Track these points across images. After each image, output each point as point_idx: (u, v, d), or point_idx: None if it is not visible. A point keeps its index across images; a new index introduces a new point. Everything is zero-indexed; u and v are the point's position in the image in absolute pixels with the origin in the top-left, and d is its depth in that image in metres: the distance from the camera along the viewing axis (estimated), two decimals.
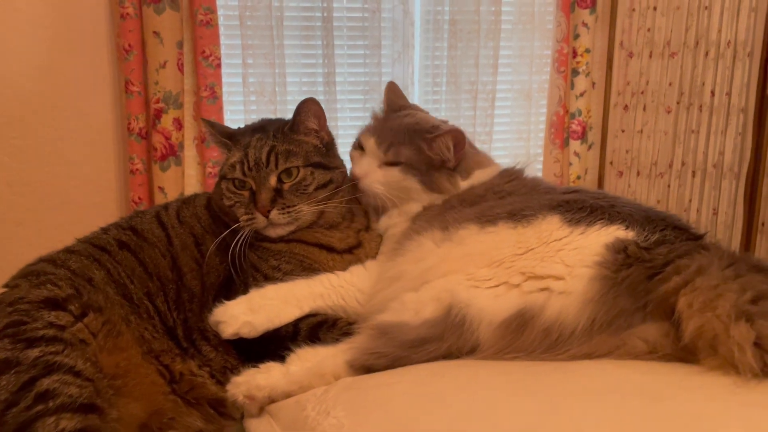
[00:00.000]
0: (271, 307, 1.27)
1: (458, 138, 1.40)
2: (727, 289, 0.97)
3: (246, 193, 1.35)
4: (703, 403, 0.89)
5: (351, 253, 1.41)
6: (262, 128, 1.41)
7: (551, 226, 1.17)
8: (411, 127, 1.45)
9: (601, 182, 2.93)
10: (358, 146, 1.47)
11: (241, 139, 1.38)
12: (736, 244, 2.76)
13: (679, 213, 2.72)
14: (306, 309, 1.29)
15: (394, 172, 1.41)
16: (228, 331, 1.24)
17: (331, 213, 1.39)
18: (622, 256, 1.09)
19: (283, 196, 1.33)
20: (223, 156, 1.40)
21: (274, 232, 1.35)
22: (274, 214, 1.32)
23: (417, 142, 1.41)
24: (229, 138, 1.40)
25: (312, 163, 1.36)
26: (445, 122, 1.52)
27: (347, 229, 1.43)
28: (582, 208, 1.19)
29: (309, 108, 1.38)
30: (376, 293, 1.30)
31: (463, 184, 1.43)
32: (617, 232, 1.13)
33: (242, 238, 1.33)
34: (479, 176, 1.44)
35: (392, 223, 1.44)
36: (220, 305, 1.27)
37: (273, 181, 1.33)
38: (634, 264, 1.08)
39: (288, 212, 1.33)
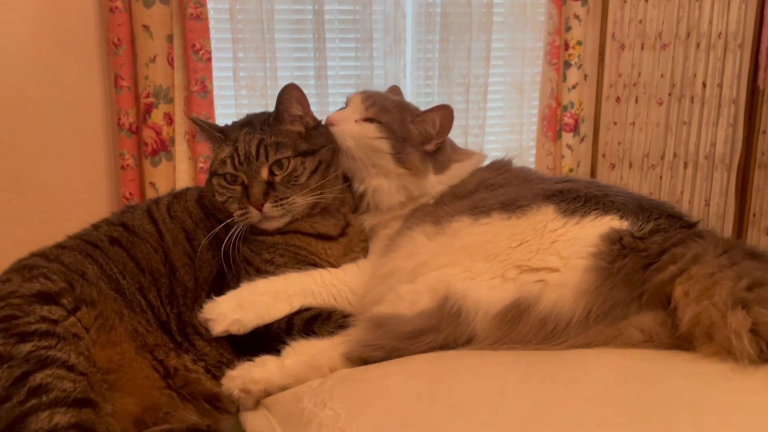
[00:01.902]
0: (260, 304, 1.26)
1: (446, 116, 1.38)
2: (723, 277, 0.97)
3: (238, 188, 1.34)
4: (701, 388, 0.90)
5: (344, 235, 1.42)
6: (248, 123, 1.40)
7: (546, 216, 1.16)
8: (401, 103, 1.46)
9: (593, 174, 2.93)
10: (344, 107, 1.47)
11: (230, 135, 1.37)
12: (727, 235, 2.77)
13: None
14: (296, 305, 1.28)
15: (370, 127, 1.37)
16: (217, 329, 1.24)
17: (325, 200, 1.39)
18: (617, 247, 1.09)
19: (276, 188, 1.33)
20: (213, 152, 1.40)
21: (269, 225, 1.35)
22: (268, 207, 1.31)
23: (403, 114, 1.40)
24: (219, 133, 1.39)
25: (301, 152, 1.35)
26: None
27: (337, 212, 1.43)
28: (576, 197, 1.18)
29: (290, 95, 1.37)
30: (369, 290, 1.29)
31: (438, 179, 1.39)
32: (612, 222, 1.13)
33: (236, 233, 1.32)
34: (458, 170, 1.42)
35: (377, 222, 1.42)
36: (210, 301, 1.26)
37: (264, 173, 1.32)
38: (630, 254, 1.08)
39: (281, 204, 1.32)
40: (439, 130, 1.39)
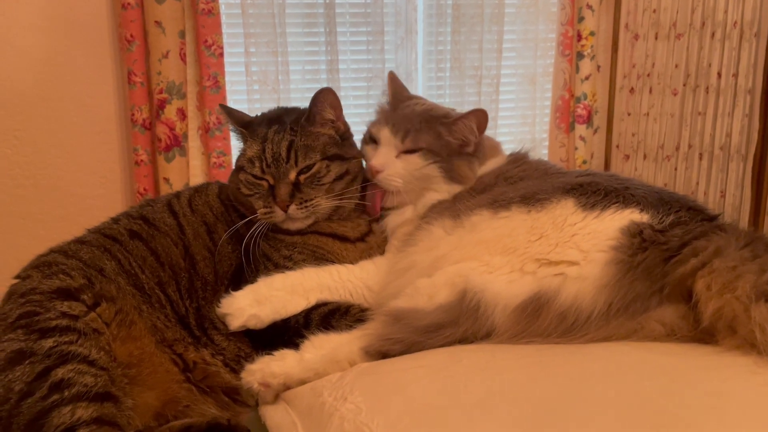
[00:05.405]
0: (277, 299, 1.26)
1: (482, 119, 1.38)
2: (746, 270, 0.97)
3: (265, 184, 1.34)
4: (724, 382, 0.89)
5: (363, 241, 1.41)
6: (278, 118, 1.40)
7: (565, 210, 1.16)
8: (426, 113, 1.42)
9: (607, 166, 2.91)
10: (370, 140, 1.43)
11: (258, 130, 1.37)
12: (744, 226, 2.74)
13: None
14: (312, 300, 1.29)
15: (415, 159, 1.36)
16: (235, 323, 1.25)
17: (347, 206, 1.39)
18: (637, 240, 1.08)
19: (301, 189, 1.33)
20: (240, 143, 1.40)
21: (292, 225, 1.35)
22: (293, 208, 1.32)
23: (435, 127, 1.38)
24: (246, 127, 1.39)
25: (328, 156, 1.35)
26: (453, 111, 1.49)
27: (358, 218, 1.43)
28: (596, 191, 1.18)
29: (325, 98, 1.37)
30: (387, 284, 1.29)
31: (481, 168, 1.41)
32: (632, 216, 1.12)
33: (257, 230, 1.32)
34: (491, 165, 1.43)
35: (401, 221, 1.42)
36: (228, 296, 1.27)
37: (292, 176, 1.33)
38: (650, 247, 1.07)
39: (306, 206, 1.32)
40: (477, 134, 1.39)
